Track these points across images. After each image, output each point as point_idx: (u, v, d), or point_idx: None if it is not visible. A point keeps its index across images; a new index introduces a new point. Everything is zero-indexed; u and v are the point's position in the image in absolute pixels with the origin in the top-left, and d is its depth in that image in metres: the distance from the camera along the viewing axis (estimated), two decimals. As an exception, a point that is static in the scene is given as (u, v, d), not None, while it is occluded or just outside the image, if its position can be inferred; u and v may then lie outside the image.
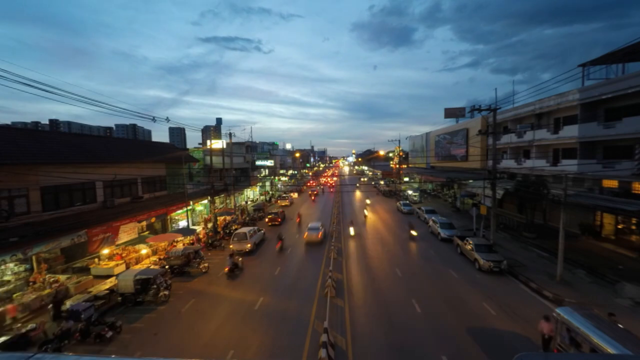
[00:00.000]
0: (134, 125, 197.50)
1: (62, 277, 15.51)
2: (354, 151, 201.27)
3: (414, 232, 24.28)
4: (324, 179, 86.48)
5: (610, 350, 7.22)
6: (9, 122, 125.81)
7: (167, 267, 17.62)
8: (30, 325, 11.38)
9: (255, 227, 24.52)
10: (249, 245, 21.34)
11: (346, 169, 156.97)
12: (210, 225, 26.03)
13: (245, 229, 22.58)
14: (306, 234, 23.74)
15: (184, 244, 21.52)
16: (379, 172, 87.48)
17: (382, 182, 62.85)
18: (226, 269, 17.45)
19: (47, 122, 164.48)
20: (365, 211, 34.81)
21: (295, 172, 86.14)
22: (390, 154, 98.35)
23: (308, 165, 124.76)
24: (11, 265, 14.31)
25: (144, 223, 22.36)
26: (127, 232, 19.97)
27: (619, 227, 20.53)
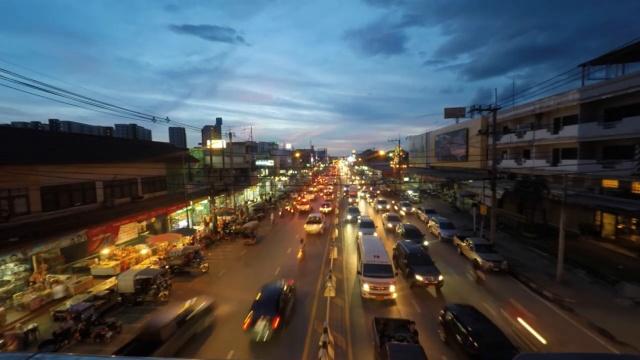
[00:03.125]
0: (134, 126, 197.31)
1: (62, 277, 15.51)
2: (354, 151, 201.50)
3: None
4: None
5: None
6: (8, 122, 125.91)
7: (167, 267, 17.65)
8: (30, 325, 11.39)
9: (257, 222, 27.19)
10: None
11: (347, 173, 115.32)
12: (210, 225, 26.13)
13: (250, 224, 25.60)
14: None
15: (184, 244, 21.52)
16: (379, 172, 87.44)
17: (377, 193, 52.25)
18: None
19: (47, 122, 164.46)
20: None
21: (295, 172, 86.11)
22: (390, 154, 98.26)
23: (308, 165, 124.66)
24: (11, 265, 14.33)
25: (144, 223, 22.34)
26: (127, 232, 19.97)
27: (619, 227, 20.53)
